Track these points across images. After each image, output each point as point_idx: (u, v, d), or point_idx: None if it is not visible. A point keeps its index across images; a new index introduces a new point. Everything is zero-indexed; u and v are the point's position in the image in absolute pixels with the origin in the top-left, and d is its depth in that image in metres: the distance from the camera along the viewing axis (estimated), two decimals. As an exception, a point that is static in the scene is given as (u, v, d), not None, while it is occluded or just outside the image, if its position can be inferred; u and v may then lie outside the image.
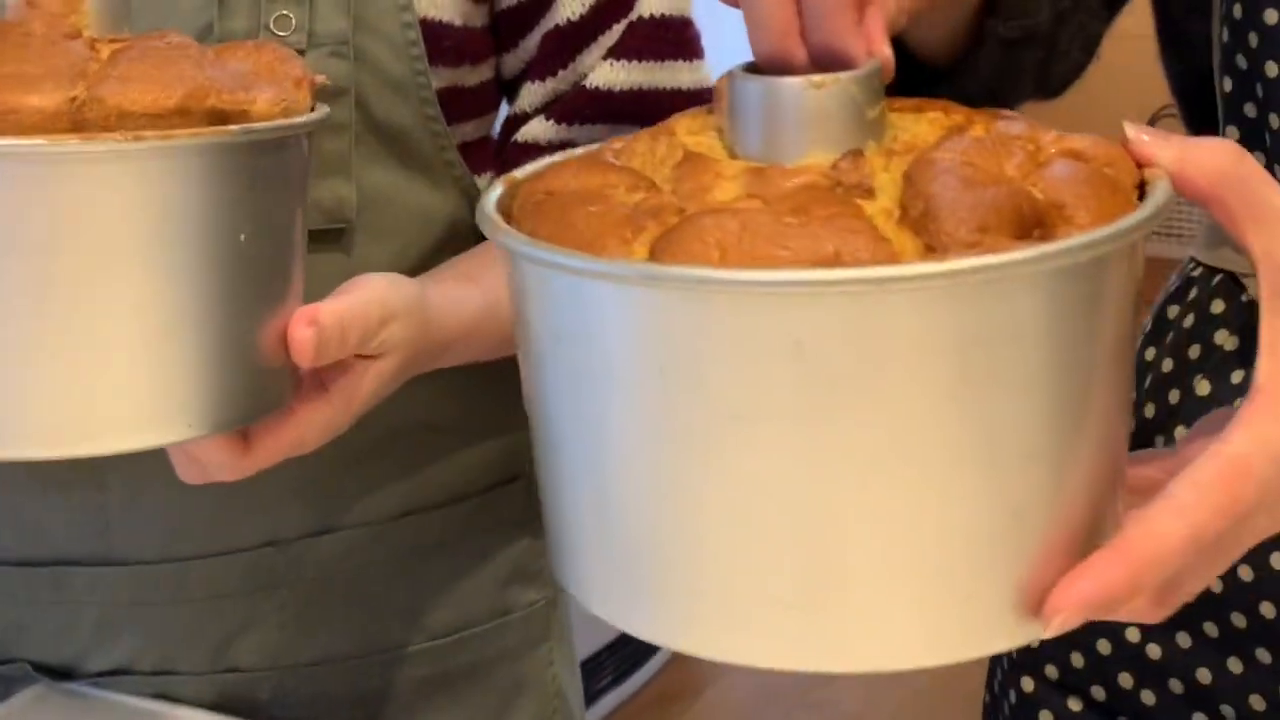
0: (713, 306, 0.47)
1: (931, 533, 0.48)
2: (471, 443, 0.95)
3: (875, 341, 0.46)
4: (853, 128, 0.54)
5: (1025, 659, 0.88)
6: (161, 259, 0.61)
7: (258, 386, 0.66)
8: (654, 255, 0.49)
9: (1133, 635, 0.82)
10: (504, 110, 0.94)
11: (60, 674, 0.92)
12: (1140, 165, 0.54)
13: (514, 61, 0.89)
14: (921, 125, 0.56)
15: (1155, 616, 0.54)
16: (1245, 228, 0.52)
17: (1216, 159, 0.52)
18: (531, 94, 0.89)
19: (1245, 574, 0.78)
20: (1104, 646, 0.84)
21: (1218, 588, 0.78)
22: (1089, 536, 0.51)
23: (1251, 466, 0.50)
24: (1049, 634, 0.49)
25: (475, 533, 0.96)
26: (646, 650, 2.74)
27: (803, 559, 0.48)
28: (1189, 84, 0.84)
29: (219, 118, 0.63)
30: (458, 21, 0.84)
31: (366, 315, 0.70)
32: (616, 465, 0.51)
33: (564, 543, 0.55)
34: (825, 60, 0.55)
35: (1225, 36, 0.75)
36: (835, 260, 0.47)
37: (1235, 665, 0.79)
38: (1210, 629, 0.79)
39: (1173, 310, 0.84)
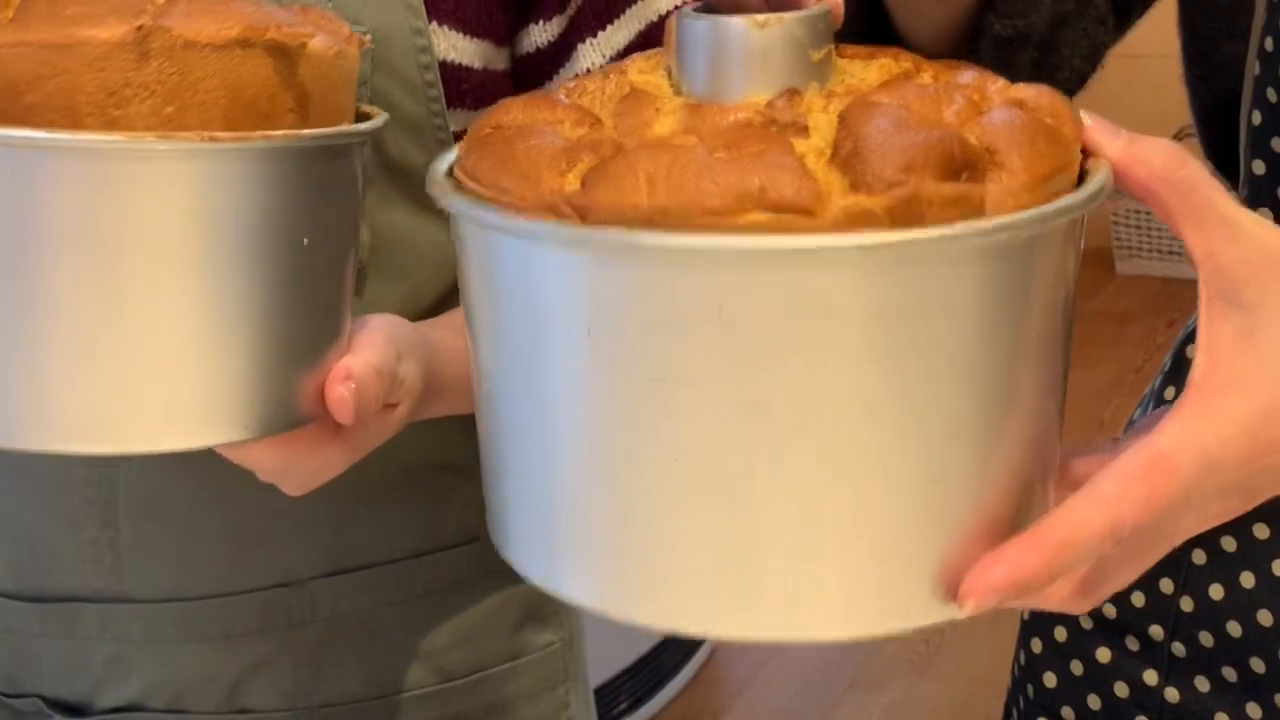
0: (637, 270, 0.47)
1: (848, 500, 0.48)
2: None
3: (795, 307, 0.46)
4: (796, 68, 0.54)
5: (1042, 699, 0.88)
6: (227, 259, 0.61)
7: (309, 392, 0.66)
8: (584, 186, 0.49)
9: (1150, 679, 0.82)
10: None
11: (72, 710, 0.92)
12: (1086, 154, 0.54)
13: None
14: (870, 70, 0.57)
15: (1080, 607, 0.54)
16: (1185, 226, 0.52)
17: (1161, 156, 0.53)
18: None
19: (1265, 619, 0.77)
20: (1121, 690, 0.83)
21: (1237, 632, 0.78)
22: (1012, 521, 0.51)
23: (1177, 462, 0.50)
24: (963, 615, 0.49)
25: (488, 573, 0.96)
26: (663, 676, 2.73)
27: (724, 524, 0.48)
28: (1211, 105, 0.84)
29: (278, 51, 0.62)
30: (477, 65, 0.83)
31: (392, 364, 0.69)
32: (545, 426, 0.51)
33: (497, 504, 0.55)
34: (779, 3, 0.55)
35: (1258, 69, 0.74)
36: (760, 195, 0.47)
37: (1254, 710, 0.78)
38: (1229, 673, 0.79)
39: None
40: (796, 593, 0.49)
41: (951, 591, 0.49)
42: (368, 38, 0.69)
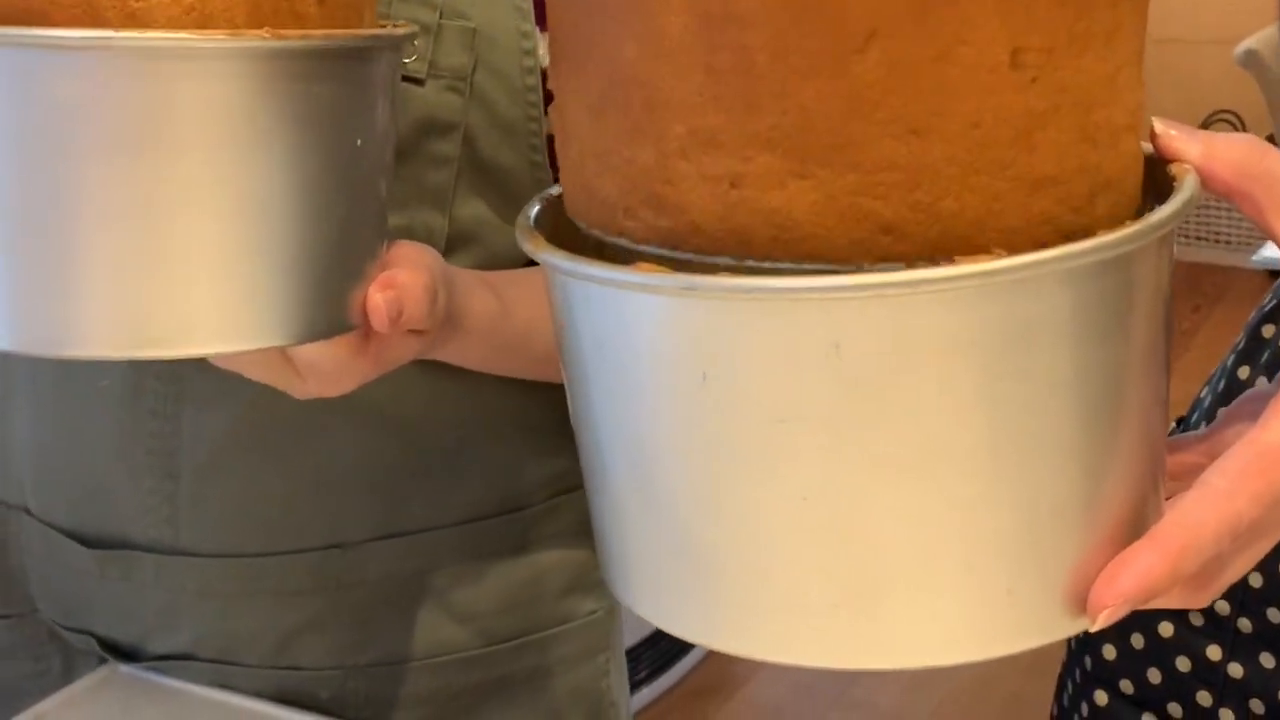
0: (750, 314, 0.48)
1: (970, 530, 0.49)
2: (536, 454, 0.95)
3: (910, 342, 0.47)
4: None
5: (1099, 672, 0.87)
6: (279, 159, 0.60)
7: (351, 299, 0.65)
8: None
9: (1214, 654, 0.81)
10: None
11: (124, 652, 0.93)
12: (1166, 161, 0.54)
13: None
14: None
15: (1197, 602, 0.54)
16: (1273, 219, 0.52)
17: (1241, 152, 0.52)
18: None
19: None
20: (1183, 664, 0.82)
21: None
22: (1130, 529, 0.51)
23: None
24: (1094, 629, 0.50)
25: (537, 540, 0.96)
26: (683, 645, 2.74)
27: (847, 559, 0.49)
28: None
29: None
30: None
31: (435, 286, 0.69)
32: (662, 472, 0.51)
33: (613, 550, 0.56)
34: None
35: None
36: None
37: None
38: None
39: (1268, 329, 0.82)
40: (924, 625, 0.50)
41: (1080, 605, 0.50)
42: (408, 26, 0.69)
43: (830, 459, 0.48)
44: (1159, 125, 0.54)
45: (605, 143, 0.53)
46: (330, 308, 0.64)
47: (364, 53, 0.62)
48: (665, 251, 0.52)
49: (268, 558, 0.89)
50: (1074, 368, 0.48)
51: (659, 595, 0.54)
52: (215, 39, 0.57)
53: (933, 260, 0.49)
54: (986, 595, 0.49)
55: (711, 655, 2.81)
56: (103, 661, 0.93)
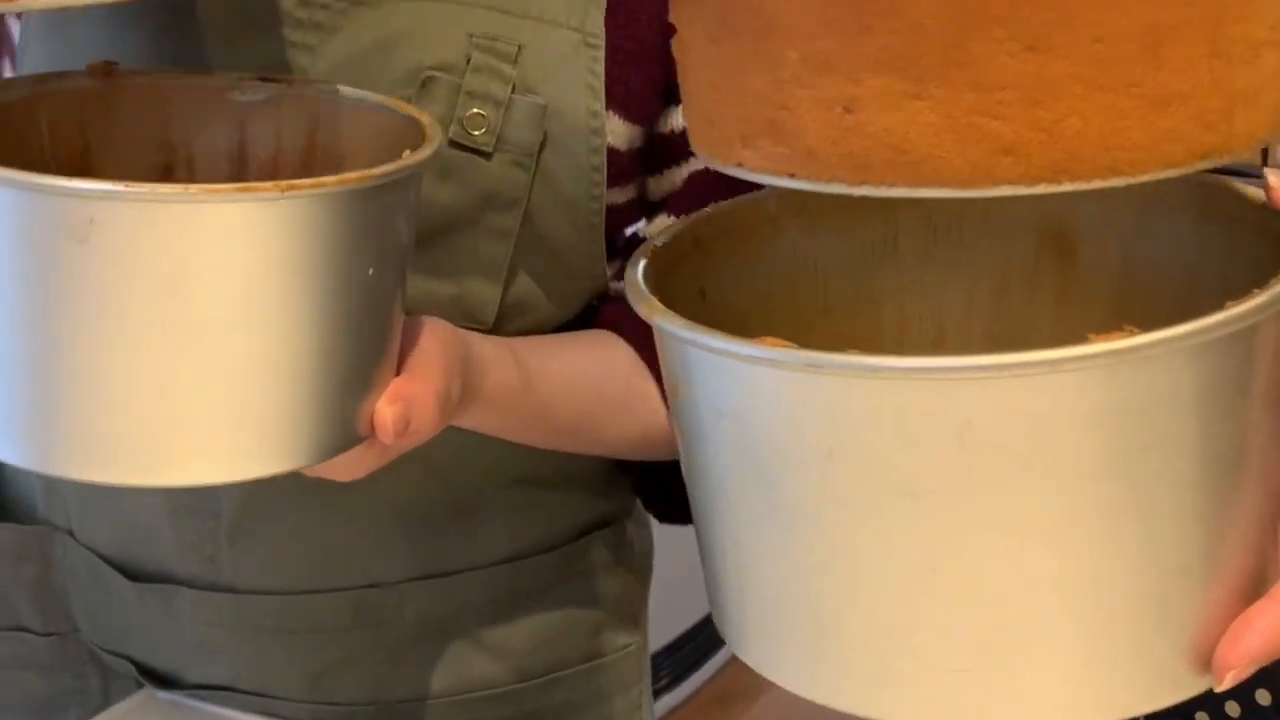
0: (881, 392, 0.48)
1: (1097, 597, 0.49)
2: (570, 494, 0.94)
3: (1039, 418, 0.47)
4: None
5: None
6: (295, 296, 0.61)
7: (365, 412, 0.66)
8: None
9: (1263, 699, 0.79)
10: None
11: (161, 678, 0.93)
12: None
13: (656, 188, 0.88)
14: None
15: None
16: None
17: None
18: (664, 227, 0.87)
19: None
20: (1262, 697, 0.80)
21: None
22: (1253, 587, 0.52)
23: None
24: (1220, 688, 0.50)
25: (571, 576, 0.95)
26: (704, 653, 2.70)
27: (976, 625, 0.50)
28: None
29: None
30: (624, 147, 0.83)
31: (447, 388, 0.69)
32: (786, 541, 0.52)
33: (730, 604, 0.57)
34: None
35: None
36: None
37: None
38: None
39: None
40: (1052, 687, 0.50)
41: (1203, 663, 0.50)
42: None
43: (959, 530, 0.49)
44: (1271, 176, 0.53)
45: (723, 71, 0.53)
46: (339, 427, 0.65)
47: (375, 191, 0.63)
48: (783, 179, 0.51)
49: (305, 595, 0.88)
50: (1198, 435, 0.49)
51: (778, 651, 0.55)
52: (227, 191, 0.59)
53: (1054, 182, 0.48)
54: (1115, 657, 0.50)
55: (732, 662, 2.76)
56: (140, 686, 0.93)
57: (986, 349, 0.69)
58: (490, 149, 0.78)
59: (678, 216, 0.86)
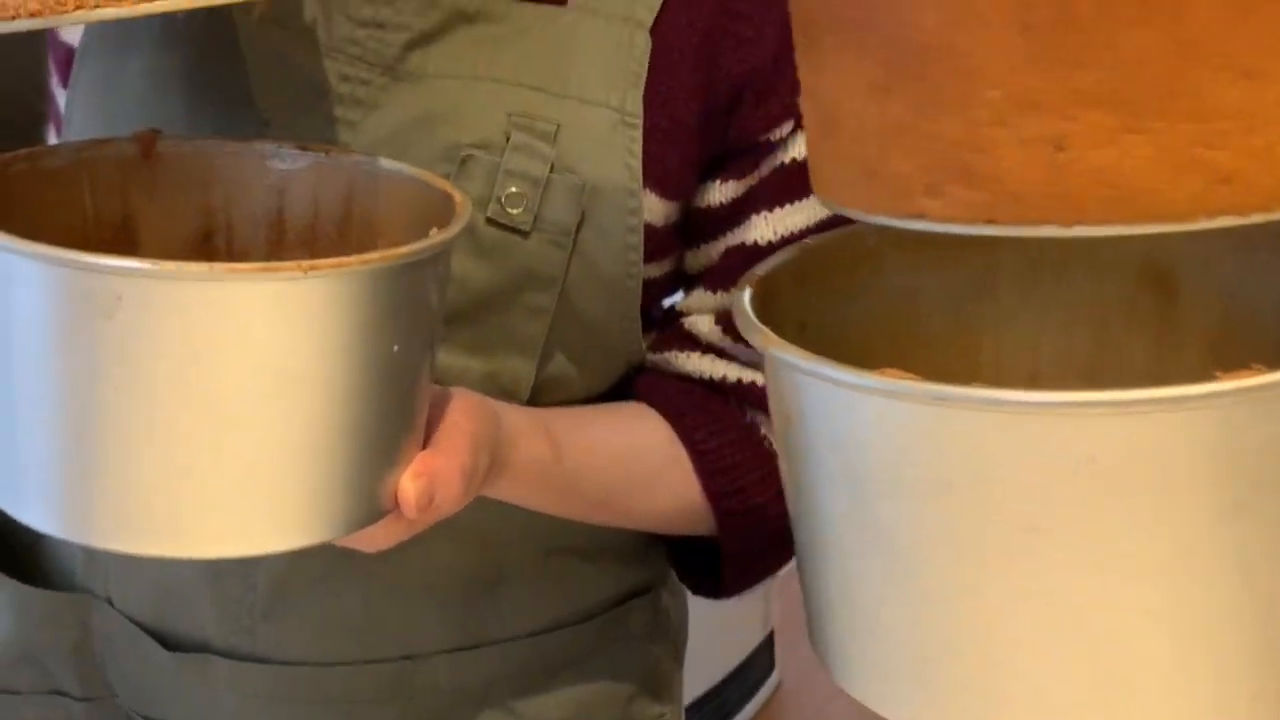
0: (1004, 426, 0.48)
1: (1218, 636, 0.49)
2: (605, 564, 0.93)
3: (1163, 454, 0.47)
4: None
5: None
6: (323, 374, 0.61)
7: (390, 486, 0.67)
8: None
9: None
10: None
11: None
12: None
13: (694, 261, 0.87)
14: None
15: None
16: None
17: None
18: (701, 299, 0.87)
19: None
20: None
21: None
22: None
23: None
24: None
25: (605, 645, 0.93)
26: (728, 711, 2.69)
27: (1092, 662, 0.49)
28: None
29: None
30: (659, 223, 0.82)
31: (474, 463, 0.69)
32: (898, 573, 0.52)
33: (835, 636, 0.56)
34: None
35: None
36: None
37: None
38: None
39: None
40: None
41: None
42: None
43: (1080, 566, 0.48)
44: None
45: (896, 120, 0.51)
46: (364, 501, 0.65)
47: (401, 270, 0.63)
48: (977, 227, 0.50)
49: (341, 667, 0.86)
50: None
51: (886, 685, 0.55)
52: (251, 270, 0.61)
53: (1269, 210, 0.48)
54: (1231, 699, 0.50)
55: (770, 706, 2.77)
56: (178, 751, 0.91)
57: (1083, 389, 0.70)
58: (528, 228, 0.77)
59: (714, 291, 0.86)
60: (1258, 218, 0.47)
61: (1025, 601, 0.49)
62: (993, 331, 0.70)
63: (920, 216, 0.51)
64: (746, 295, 0.59)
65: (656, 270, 0.85)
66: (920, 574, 0.51)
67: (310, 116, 0.78)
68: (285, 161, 0.75)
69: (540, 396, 0.82)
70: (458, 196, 0.69)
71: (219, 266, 0.60)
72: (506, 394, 0.80)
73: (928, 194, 0.51)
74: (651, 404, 0.85)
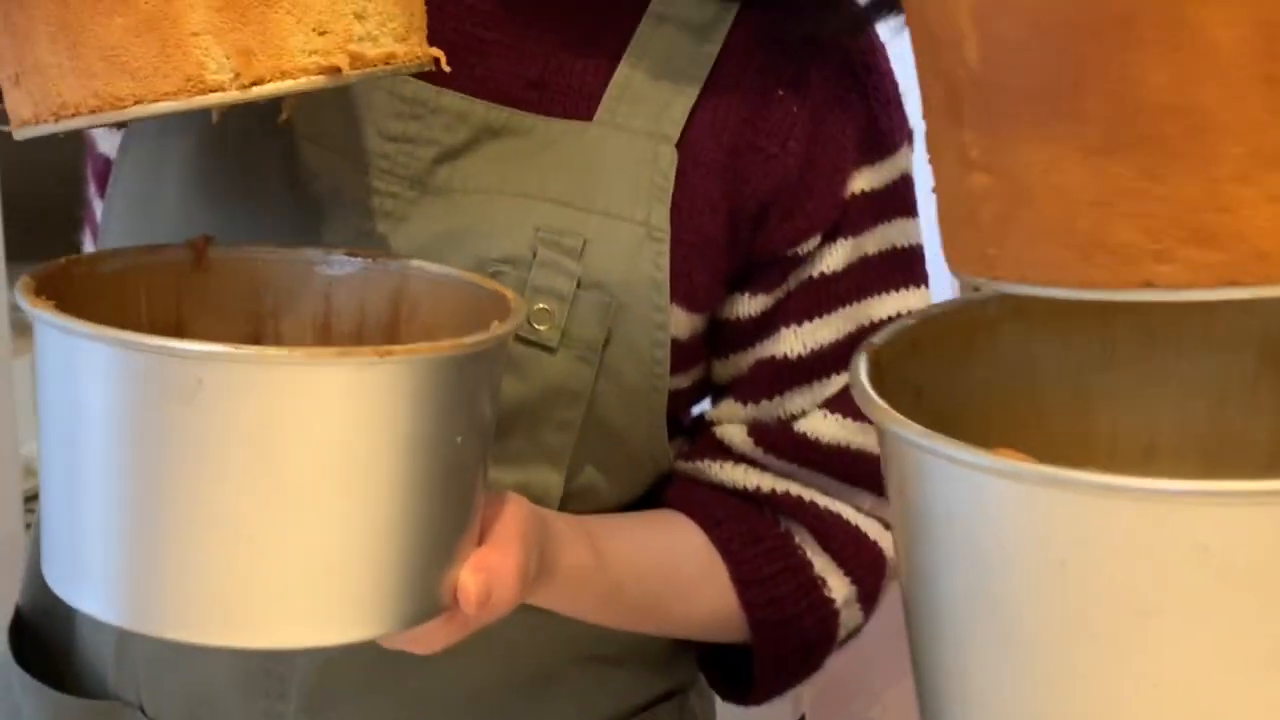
0: (1120, 511, 0.48)
1: None
2: (637, 669, 0.92)
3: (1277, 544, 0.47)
4: None
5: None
6: (387, 463, 0.62)
7: (448, 581, 0.67)
8: None
9: None
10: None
11: None
12: None
13: (722, 371, 0.88)
14: None
15: None
16: None
17: None
18: (730, 409, 0.87)
19: None
20: None
21: None
22: None
23: None
24: None
25: None
26: None
27: None
28: None
29: None
30: (685, 337, 0.82)
31: (528, 564, 0.70)
32: (1010, 652, 0.52)
33: (940, 704, 0.56)
34: None
35: None
36: None
37: None
38: None
39: None
40: None
41: None
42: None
43: (1192, 652, 0.48)
44: None
45: (1118, 185, 0.49)
46: (422, 597, 0.65)
47: (466, 360, 0.64)
48: (1217, 290, 0.49)
49: None
50: None
51: None
52: (328, 355, 0.63)
53: None
54: None
55: None
56: None
57: (1199, 464, 0.69)
58: (555, 344, 0.78)
59: (743, 403, 0.86)
60: None
61: (1135, 685, 0.49)
62: (1109, 404, 0.69)
63: (1148, 285, 0.50)
64: (863, 365, 0.59)
65: (684, 381, 0.85)
66: (1036, 654, 0.51)
67: (339, 230, 0.79)
68: (333, 267, 0.77)
69: (569, 505, 0.82)
70: (510, 295, 0.70)
71: (297, 350, 0.62)
72: (537, 504, 0.78)
73: (1157, 260, 0.49)
74: (687, 513, 0.85)
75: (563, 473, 0.80)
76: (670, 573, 0.84)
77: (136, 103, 0.59)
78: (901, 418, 0.54)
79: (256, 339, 0.77)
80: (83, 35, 0.59)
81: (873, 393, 0.57)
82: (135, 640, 0.86)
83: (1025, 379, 0.68)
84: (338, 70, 0.60)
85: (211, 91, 0.59)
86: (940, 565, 0.54)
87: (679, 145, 0.79)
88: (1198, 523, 0.47)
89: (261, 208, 0.80)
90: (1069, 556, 0.49)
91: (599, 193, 0.79)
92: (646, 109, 0.79)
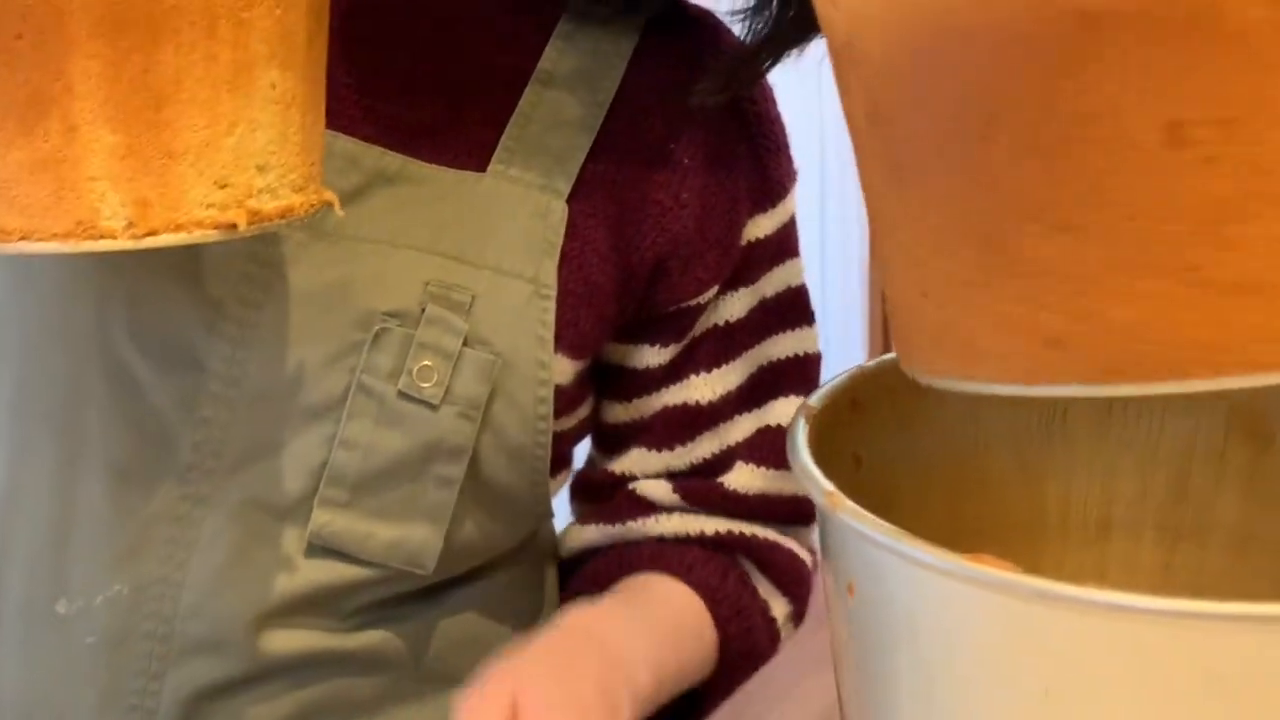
0: (1115, 632, 0.43)
1: None
2: None
3: None
4: None
5: None
6: None
7: None
8: None
9: None
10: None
11: None
12: None
13: (623, 414, 0.87)
14: None
15: None
16: None
17: None
18: (642, 460, 0.87)
19: None
20: None
21: None
22: None
23: None
24: None
25: None
26: None
27: None
28: None
29: None
30: (568, 382, 0.82)
31: None
32: None
33: None
34: None
35: None
36: None
37: None
38: None
39: None
40: None
41: None
42: None
43: None
44: None
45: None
46: None
47: None
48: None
49: None
50: None
51: None
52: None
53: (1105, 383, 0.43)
54: None
55: None
56: None
57: (1158, 539, 0.63)
58: (438, 401, 0.77)
59: (655, 450, 0.86)
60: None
61: None
62: (1062, 474, 0.64)
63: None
64: (801, 436, 0.55)
65: (568, 422, 0.85)
66: None
67: (226, 275, 0.77)
68: None
69: (446, 564, 0.81)
70: None
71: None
72: (413, 561, 0.79)
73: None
74: (658, 569, 0.85)
75: (442, 529, 0.79)
76: (686, 633, 0.84)
77: (22, 239, 0.57)
78: (857, 508, 0.49)
79: None
80: (-23, 164, 0.56)
81: (818, 473, 0.52)
82: (6, 687, 0.84)
83: (970, 446, 0.65)
84: (234, 226, 0.59)
85: (102, 238, 0.57)
86: (892, 679, 0.50)
87: (570, 199, 0.79)
88: (1195, 644, 0.43)
89: (136, 259, 0.76)
90: (1052, 683, 0.45)
91: (490, 247, 0.78)
92: (540, 161, 0.79)
